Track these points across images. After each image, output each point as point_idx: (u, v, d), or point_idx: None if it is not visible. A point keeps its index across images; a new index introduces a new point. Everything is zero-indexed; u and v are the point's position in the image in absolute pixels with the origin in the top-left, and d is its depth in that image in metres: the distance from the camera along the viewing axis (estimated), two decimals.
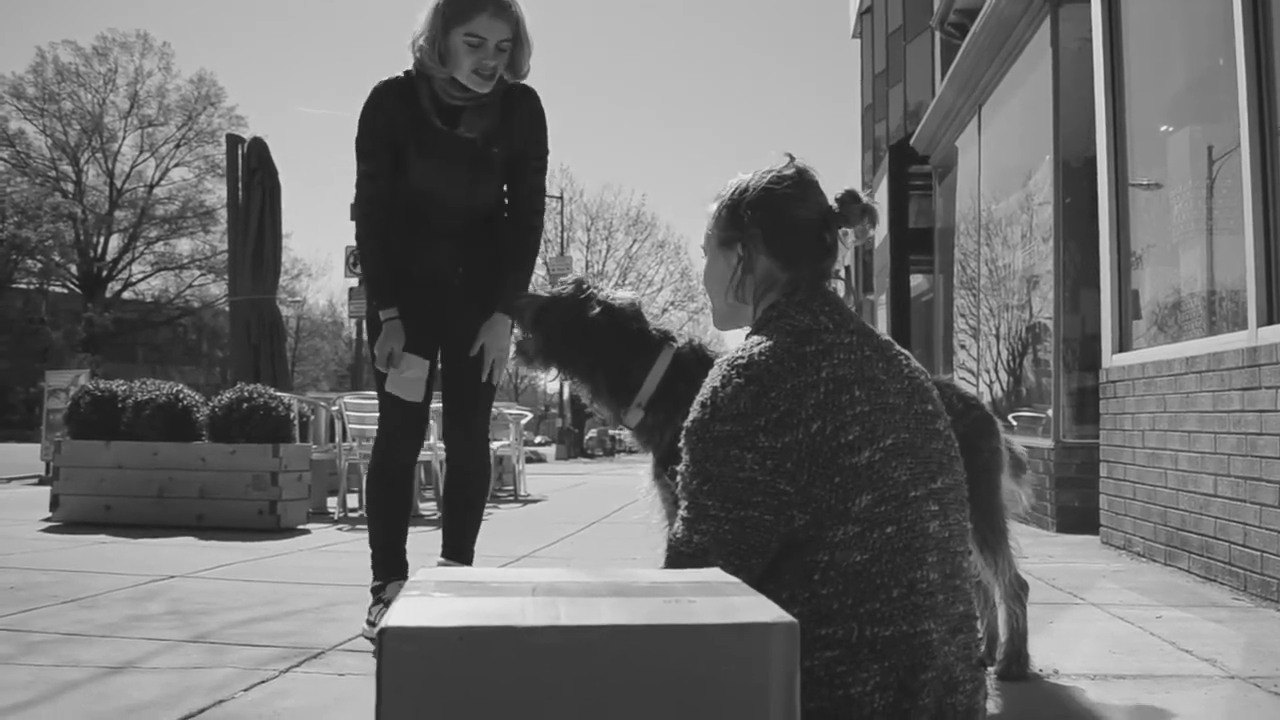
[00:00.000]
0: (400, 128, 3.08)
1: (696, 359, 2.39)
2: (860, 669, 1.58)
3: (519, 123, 3.17)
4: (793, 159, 1.88)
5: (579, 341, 2.49)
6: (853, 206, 1.85)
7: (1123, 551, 5.48)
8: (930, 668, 1.61)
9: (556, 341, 2.54)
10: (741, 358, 1.69)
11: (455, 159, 3.11)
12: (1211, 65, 5.08)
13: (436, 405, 3.44)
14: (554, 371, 2.63)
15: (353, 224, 3.29)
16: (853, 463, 1.62)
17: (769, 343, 1.71)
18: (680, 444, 1.74)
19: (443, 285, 3.26)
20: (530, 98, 3.19)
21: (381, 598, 3.21)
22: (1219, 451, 4.40)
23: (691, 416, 1.72)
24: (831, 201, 1.86)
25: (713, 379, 1.71)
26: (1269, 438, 3.96)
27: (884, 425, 1.66)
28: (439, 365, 3.35)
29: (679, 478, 1.73)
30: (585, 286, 2.55)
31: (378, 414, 3.38)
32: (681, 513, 1.71)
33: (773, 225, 1.83)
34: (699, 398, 1.72)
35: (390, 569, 3.27)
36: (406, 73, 3.11)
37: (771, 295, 1.84)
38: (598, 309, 2.48)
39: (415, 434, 3.33)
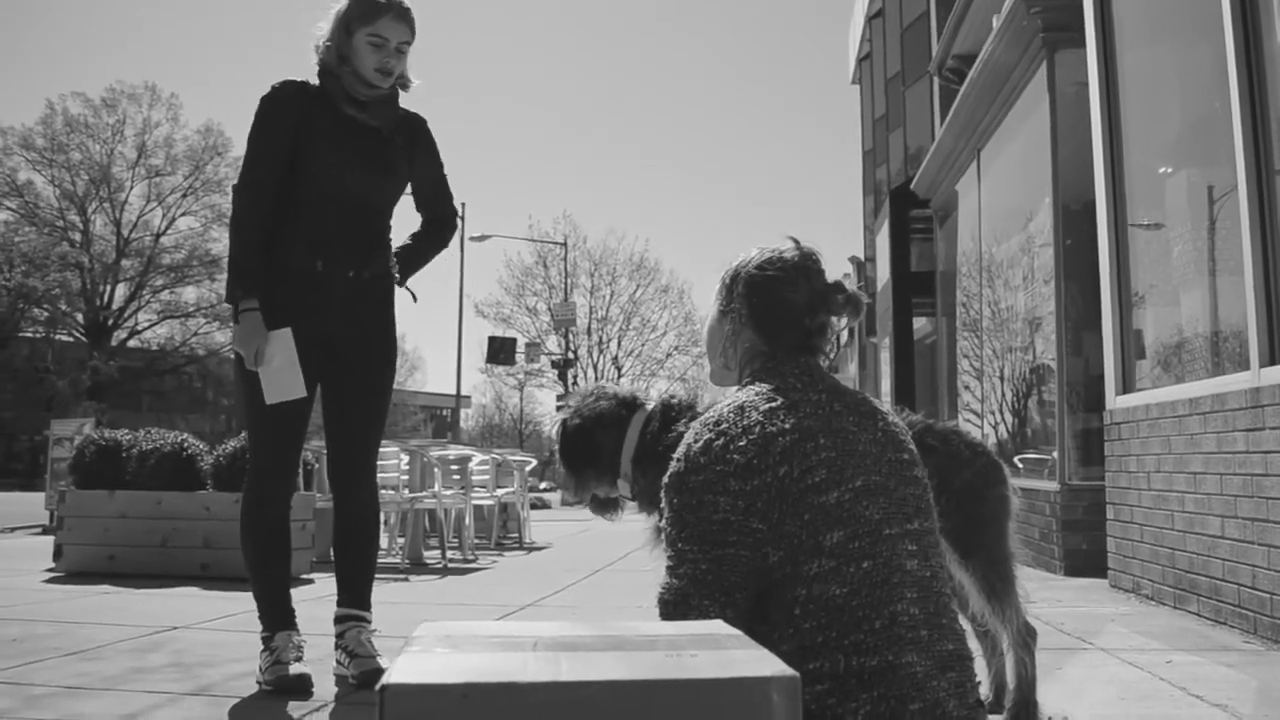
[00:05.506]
0: (303, 120, 3.19)
1: (665, 416, 2.37)
2: (850, 698, 1.63)
3: (421, 150, 3.40)
4: (797, 243, 2.00)
5: (584, 453, 2.45)
6: (835, 296, 1.97)
7: (1131, 594, 5.44)
8: (918, 699, 1.64)
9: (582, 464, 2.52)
10: (712, 416, 1.82)
11: (361, 145, 3.24)
12: (1207, 108, 5.13)
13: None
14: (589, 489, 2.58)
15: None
16: (821, 501, 1.70)
17: (739, 401, 1.82)
18: (660, 499, 1.83)
19: (330, 287, 3.22)
20: (424, 125, 3.44)
21: (271, 647, 3.17)
22: (1225, 493, 4.39)
23: (669, 471, 1.82)
24: (825, 284, 1.97)
25: (688, 437, 1.83)
26: (1275, 479, 3.95)
27: (852, 468, 1.74)
28: (319, 394, 3.32)
29: (662, 532, 1.82)
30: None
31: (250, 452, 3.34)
32: (665, 562, 1.79)
33: (760, 304, 1.96)
34: (675, 455, 1.83)
35: (277, 621, 3.24)
36: (307, 80, 3.28)
37: (755, 364, 1.96)
38: (569, 424, 2.45)
39: (287, 475, 3.30)
